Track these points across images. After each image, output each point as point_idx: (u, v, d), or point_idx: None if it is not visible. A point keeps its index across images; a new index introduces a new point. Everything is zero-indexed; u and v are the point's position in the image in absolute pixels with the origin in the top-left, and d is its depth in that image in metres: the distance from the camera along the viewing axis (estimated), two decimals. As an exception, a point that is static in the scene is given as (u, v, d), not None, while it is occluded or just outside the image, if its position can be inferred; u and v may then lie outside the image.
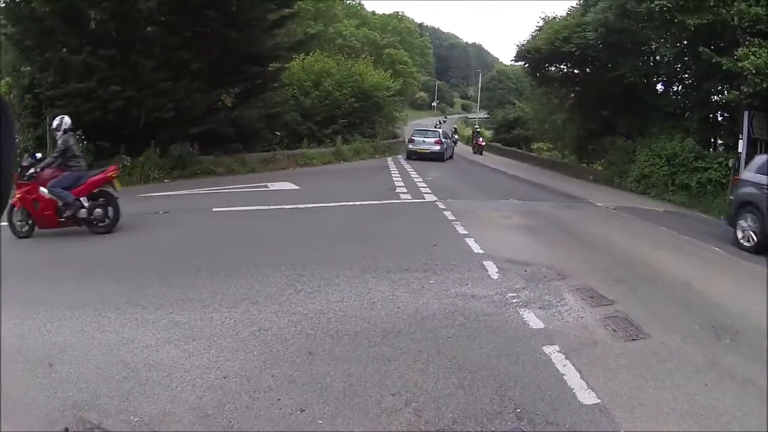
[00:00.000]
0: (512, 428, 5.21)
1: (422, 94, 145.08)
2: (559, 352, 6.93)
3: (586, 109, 36.83)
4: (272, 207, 17.64)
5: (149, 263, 10.81)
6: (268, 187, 23.04)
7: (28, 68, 24.61)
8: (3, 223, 12.99)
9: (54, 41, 24.01)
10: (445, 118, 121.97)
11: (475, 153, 56.66)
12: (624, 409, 5.66)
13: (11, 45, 25.16)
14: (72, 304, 8.25)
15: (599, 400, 5.77)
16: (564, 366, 6.54)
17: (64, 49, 23.86)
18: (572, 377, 6.27)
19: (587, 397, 5.84)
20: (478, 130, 71.03)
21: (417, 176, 28.10)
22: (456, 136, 64.15)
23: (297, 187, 23.05)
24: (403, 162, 38.26)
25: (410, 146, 41.44)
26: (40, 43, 24.05)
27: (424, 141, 41.23)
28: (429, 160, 38.72)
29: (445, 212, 16.99)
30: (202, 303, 8.37)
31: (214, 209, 17.02)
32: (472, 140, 65.10)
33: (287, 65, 36.69)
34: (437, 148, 40.72)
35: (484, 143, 59.83)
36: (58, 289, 9.09)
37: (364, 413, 5.44)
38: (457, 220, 15.49)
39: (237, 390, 5.79)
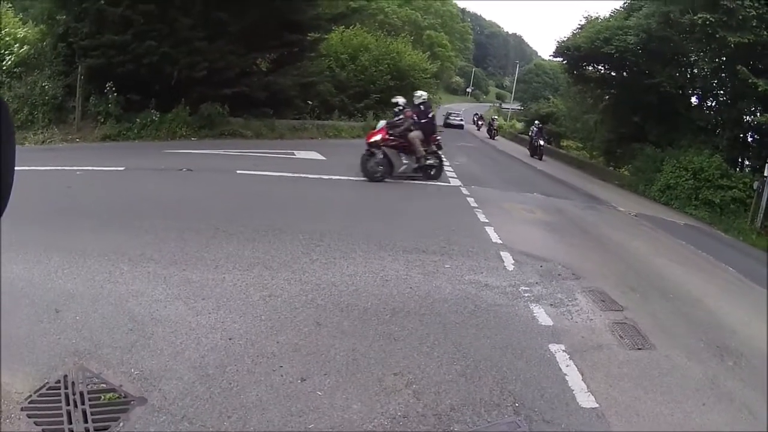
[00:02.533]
0: (508, 421, 5.19)
1: (458, 78, 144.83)
2: (564, 351, 6.91)
3: (618, 113, 36.65)
4: (297, 174, 17.53)
5: (168, 219, 10.78)
6: (294, 155, 22.96)
7: (64, 17, 24.53)
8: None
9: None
10: (500, 104, 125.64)
11: (490, 138, 63.73)
12: (620, 417, 5.65)
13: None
14: (86, 252, 8.24)
15: (597, 405, 5.76)
16: (567, 366, 6.53)
17: (102, 1, 23.81)
18: (574, 378, 6.25)
19: (586, 400, 5.83)
20: (495, 117, 79.77)
21: (444, 160, 27.93)
22: (495, 123, 69.86)
23: (323, 158, 23.03)
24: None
25: (447, 120, 72.29)
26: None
27: (455, 117, 76.27)
28: (456, 128, 70.34)
29: (468, 198, 16.90)
30: (215, 263, 8.37)
31: (238, 171, 16.96)
32: (488, 126, 70.51)
33: (326, 36, 36.83)
34: (460, 121, 75.73)
35: (497, 128, 68.05)
36: (74, 237, 9.08)
37: (364, 389, 5.43)
38: (479, 208, 15.41)
39: (240, 353, 5.79)
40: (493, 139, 62.89)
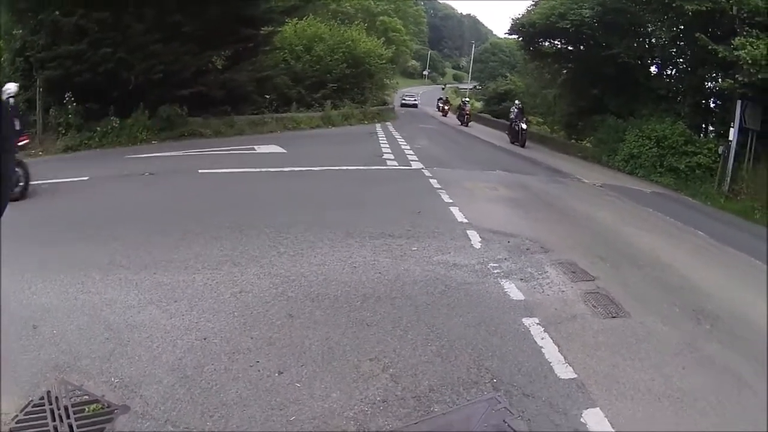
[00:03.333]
0: (488, 398, 5.28)
1: (414, 62, 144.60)
2: (538, 324, 7.01)
3: (577, 86, 36.70)
4: (258, 170, 17.61)
5: (133, 224, 10.78)
6: (255, 150, 22.98)
7: (20, 31, 24.41)
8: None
9: (47, 3, 23.81)
10: (444, 86, 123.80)
11: (462, 124, 52.71)
12: (600, 386, 5.73)
13: (4, 8, 24.97)
14: (57, 265, 8.25)
15: (576, 375, 5.85)
16: (542, 339, 6.63)
17: (57, 12, 23.69)
18: (550, 350, 6.35)
19: (564, 371, 5.92)
20: (466, 100, 67.03)
21: (405, 144, 28.28)
22: (467, 107, 58.23)
23: (284, 151, 23.06)
24: (392, 129, 38.46)
25: (402, 101, 76.95)
26: (34, 6, 23.80)
27: (409, 98, 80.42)
28: (410, 107, 74.89)
29: (430, 180, 17.06)
30: (185, 264, 8.42)
31: (200, 171, 16.99)
32: (458, 110, 59.59)
33: (280, 29, 36.69)
34: (415, 101, 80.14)
35: (469, 112, 55.78)
36: (42, 251, 9.07)
37: (342, 377, 5.51)
38: (442, 189, 15.57)
39: (216, 351, 5.86)
40: (466, 125, 52.33)
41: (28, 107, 23.45)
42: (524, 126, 35.77)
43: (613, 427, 5.04)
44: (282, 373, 5.51)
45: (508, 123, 38.65)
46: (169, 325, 6.41)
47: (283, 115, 34.86)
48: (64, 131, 23.20)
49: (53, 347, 5.89)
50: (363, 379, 5.49)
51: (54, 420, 4.78)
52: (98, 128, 23.51)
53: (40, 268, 8.13)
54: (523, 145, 34.78)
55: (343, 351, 6.02)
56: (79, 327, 6.31)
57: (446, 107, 68.85)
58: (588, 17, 30.39)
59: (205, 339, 6.11)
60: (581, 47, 35.36)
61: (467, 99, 70.93)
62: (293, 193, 14.74)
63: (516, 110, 37.29)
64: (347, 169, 18.32)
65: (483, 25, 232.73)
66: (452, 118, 60.06)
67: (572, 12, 30.96)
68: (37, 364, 5.55)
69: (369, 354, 5.98)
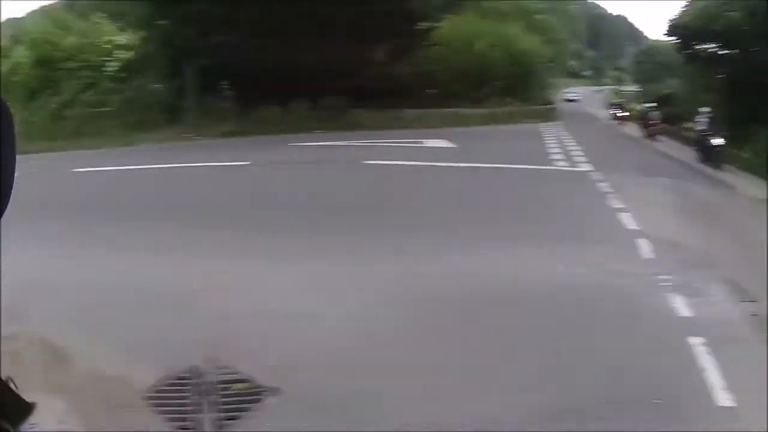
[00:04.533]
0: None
1: (574, 62, 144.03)
2: (703, 344, 6.46)
3: (732, 93, 34.92)
4: (428, 163, 17.51)
5: (304, 211, 11.09)
6: (422, 143, 22.98)
7: (165, 21, 24.94)
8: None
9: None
10: (603, 89, 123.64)
11: (648, 137, 37.31)
12: (761, 417, 5.02)
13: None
14: (249, 254, 8.50)
15: (735, 405, 5.36)
16: (706, 361, 6.12)
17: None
18: (712, 374, 5.86)
19: (723, 398, 5.45)
20: (652, 106, 46.06)
21: (573, 143, 27.55)
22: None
23: (453, 145, 22.87)
24: (558, 129, 37.24)
25: (565, 96, 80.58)
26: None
27: (571, 94, 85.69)
28: (572, 101, 78.26)
29: (599, 184, 16.39)
30: (368, 252, 8.65)
31: (363, 162, 17.05)
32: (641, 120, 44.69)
33: (437, 24, 37.09)
34: (576, 97, 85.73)
35: (656, 124, 38.58)
36: (199, 234, 9.36)
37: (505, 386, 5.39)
38: (611, 193, 14.93)
39: (379, 341, 5.91)
40: (653, 139, 36.48)
41: (179, 93, 23.96)
42: (720, 141, 25.49)
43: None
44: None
45: (695, 136, 27.60)
46: (333, 314, 6.38)
47: (448, 110, 34.88)
48: (222, 117, 23.59)
49: (212, 325, 5.97)
50: (525, 390, 5.29)
51: (196, 394, 4.83)
52: (257, 115, 23.87)
53: (203, 252, 8.40)
54: (718, 167, 24.47)
55: (508, 357, 5.90)
56: (241, 309, 6.36)
57: (622, 113, 50.44)
58: (738, 21, 28.99)
59: (369, 329, 6.06)
60: (736, 51, 33.91)
61: (653, 105, 47.79)
62: (461, 190, 14.61)
63: (706, 119, 27.34)
64: (515, 167, 17.95)
65: (634, 26, 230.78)
66: (631, 128, 45.06)
67: (723, 14, 30.09)
68: (189, 340, 5.64)
69: (536, 361, 5.84)
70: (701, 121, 26.35)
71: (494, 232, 10.17)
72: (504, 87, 41.59)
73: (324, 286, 7.13)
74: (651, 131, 37.31)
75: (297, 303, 6.56)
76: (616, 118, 49.94)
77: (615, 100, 64.45)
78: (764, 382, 5.55)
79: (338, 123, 26.10)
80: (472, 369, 5.48)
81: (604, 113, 55.08)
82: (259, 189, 13.28)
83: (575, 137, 30.24)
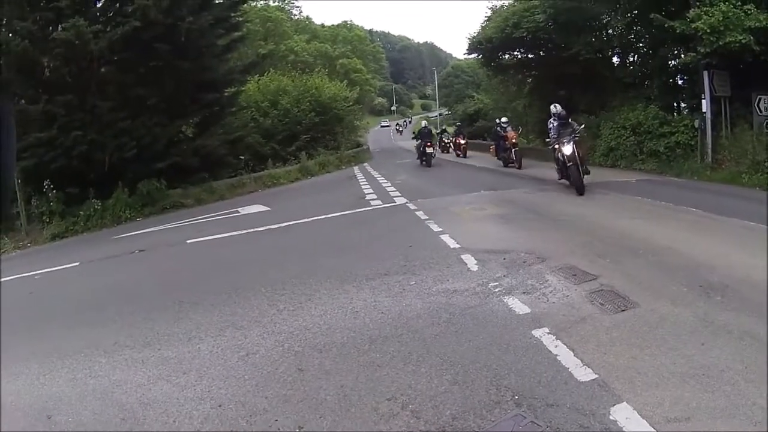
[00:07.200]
0: (512, 416, 5.27)
1: (380, 99, 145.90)
2: (549, 333, 6.99)
3: (544, 92, 36.53)
4: (245, 231, 17.58)
5: (131, 303, 10.76)
6: (239, 212, 23.00)
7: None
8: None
9: (10, 94, 23.96)
10: (410, 119, 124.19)
11: (459, 156, 44.50)
12: (623, 380, 5.69)
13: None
14: (62, 353, 8.27)
15: (596, 375, 5.82)
16: (556, 347, 6.60)
17: (22, 101, 23.86)
18: (566, 356, 6.33)
19: (584, 373, 5.89)
20: (458, 123, 58.66)
21: (385, 181, 28.38)
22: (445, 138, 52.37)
23: (267, 208, 23.06)
24: (370, 169, 38.64)
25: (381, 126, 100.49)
26: (-7, 96, 23.97)
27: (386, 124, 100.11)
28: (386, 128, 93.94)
29: (417, 212, 17.05)
30: (188, 335, 8.41)
31: (188, 241, 17.02)
32: (443, 142, 52.13)
33: (243, 88, 37.30)
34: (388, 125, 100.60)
35: (465, 142, 45.76)
36: (45, 340, 9.12)
37: (362, 422, 5.48)
38: (429, 219, 15.56)
39: (233, 416, 5.84)
40: (465, 156, 43.77)
41: (10, 200, 23.59)
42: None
43: (643, 418, 5.03)
44: (302, 428, 5.48)
45: (552, 143, 30.36)
46: (181, 397, 6.39)
47: (261, 173, 35.06)
48: (48, 219, 23.41)
49: None
50: (384, 420, 5.46)
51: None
52: (81, 212, 23.72)
53: (46, 357, 8.19)
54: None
55: (359, 396, 5.97)
56: (93, 411, 6.32)
57: (447, 141, 52.58)
58: (542, 22, 30.80)
59: (220, 406, 6.08)
60: (541, 53, 35.85)
61: (459, 123, 60.18)
62: (283, 249, 14.68)
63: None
64: (333, 216, 18.29)
65: (441, 50, 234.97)
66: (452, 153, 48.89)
67: (526, 20, 31.37)
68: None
69: (385, 394, 5.93)
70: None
71: (324, 283, 10.33)
72: (313, 139, 42.18)
73: (173, 369, 7.17)
74: (463, 150, 43.38)
75: (151, 393, 6.58)
76: (445, 148, 50.92)
77: (440, 130, 63.72)
78: (618, 348, 6.39)
79: (157, 206, 25.89)
80: (338, 415, 5.64)
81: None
82: (90, 288, 13.07)
83: (387, 174, 31.53)
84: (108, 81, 25.68)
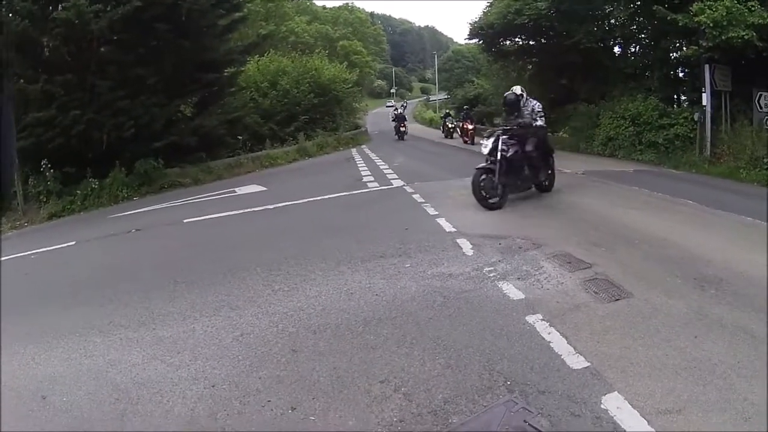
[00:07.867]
0: (504, 401, 5.28)
1: (380, 82, 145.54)
2: (542, 320, 7.00)
3: (545, 79, 36.44)
4: (242, 211, 17.59)
5: (126, 282, 10.76)
6: (236, 192, 23.01)
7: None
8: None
9: (9, 73, 23.89)
10: (405, 103, 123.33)
11: (467, 143, 40.22)
12: (615, 369, 5.72)
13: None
14: (58, 333, 8.27)
15: (589, 364, 5.84)
16: (549, 333, 6.61)
17: (21, 80, 23.80)
18: (559, 344, 6.34)
19: (576, 361, 5.92)
20: (465, 107, 51.48)
21: (383, 163, 28.45)
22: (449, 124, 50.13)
23: (264, 189, 23.07)
24: (368, 151, 38.58)
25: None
26: (-7, 75, 23.88)
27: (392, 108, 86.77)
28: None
29: (413, 195, 17.10)
30: (182, 315, 8.43)
31: (185, 220, 17.02)
32: (447, 126, 50.55)
33: (242, 69, 37.09)
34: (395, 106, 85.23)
35: (473, 127, 41.14)
36: (43, 321, 9.10)
37: (355, 404, 5.50)
38: (426, 202, 15.59)
39: (227, 396, 5.86)
40: (472, 143, 38.60)
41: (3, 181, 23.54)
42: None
43: (634, 408, 5.04)
44: (295, 408, 5.50)
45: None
46: (175, 377, 6.41)
47: (259, 153, 35.07)
48: (45, 199, 23.35)
49: (65, 415, 5.90)
50: (377, 402, 5.47)
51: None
52: (78, 192, 23.62)
53: (41, 337, 8.19)
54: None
55: (352, 378, 6.00)
56: (88, 392, 6.32)
57: (450, 126, 50.29)
58: (544, 9, 30.37)
59: (213, 386, 6.09)
60: (542, 40, 35.43)
61: (467, 107, 51.32)
62: (279, 229, 14.68)
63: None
64: (330, 197, 18.30)
65: (442, 34, 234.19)
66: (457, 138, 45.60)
67: (528, 7, 30.92)
68: (50, 436, 5.51)
69: (378, 376, 5.96)
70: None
71: (319, 264, 10.34)
72: (312, 120, 42.20)
73: (167, 349, 7.18)
74: (470, 136, 39.97)
75: (145, 372, 6.60)
76: (444, 130, 50.94)
77: (443, 113, 63.91)
78: (611, 337, 6.40)
79: (154, 186, 25.87)
80: (331, 397, 5.66)
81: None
82: (87, 267, 13.06)
83: (384, 157, 31.79)
84: (107, 61, 25.52)
